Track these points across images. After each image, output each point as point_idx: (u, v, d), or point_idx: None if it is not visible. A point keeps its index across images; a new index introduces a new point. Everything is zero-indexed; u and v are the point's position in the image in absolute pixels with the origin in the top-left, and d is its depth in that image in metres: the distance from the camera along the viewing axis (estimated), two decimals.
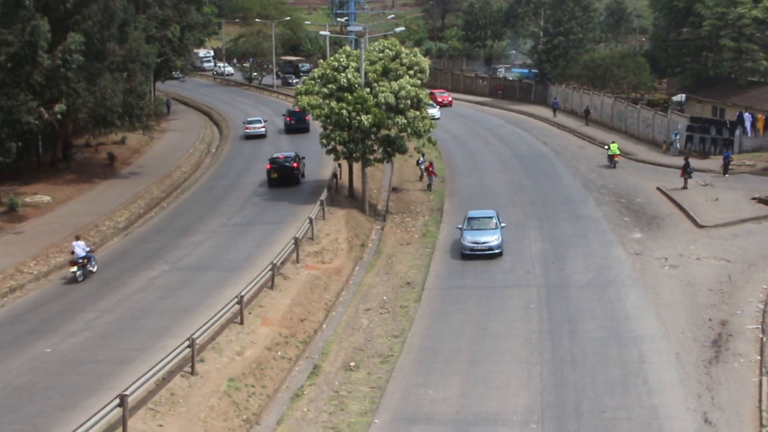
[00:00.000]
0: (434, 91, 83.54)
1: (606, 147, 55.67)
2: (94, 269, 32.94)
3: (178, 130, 70.26)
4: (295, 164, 48.27)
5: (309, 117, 51.49)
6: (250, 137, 65.33)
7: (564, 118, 73.69)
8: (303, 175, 49.40)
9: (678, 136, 54.69)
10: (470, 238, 35.81)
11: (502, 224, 37.06)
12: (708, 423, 21.10)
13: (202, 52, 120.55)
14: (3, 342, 25.80)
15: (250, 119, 68.07)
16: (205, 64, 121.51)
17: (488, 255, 35.59)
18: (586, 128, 68.82)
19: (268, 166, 48.63)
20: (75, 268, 32.03)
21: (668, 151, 53.05)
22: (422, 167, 51.28)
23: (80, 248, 32.27)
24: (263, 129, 66.19)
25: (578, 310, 29.15)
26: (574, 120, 72.70)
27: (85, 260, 32.31)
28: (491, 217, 37.52)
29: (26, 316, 28.49)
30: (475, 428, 21.36)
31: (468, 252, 35.72)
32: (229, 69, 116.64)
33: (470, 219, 37.30)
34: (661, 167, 52.82)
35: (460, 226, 37.13)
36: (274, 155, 50.27)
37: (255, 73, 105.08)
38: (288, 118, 66.78)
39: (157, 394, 21.65)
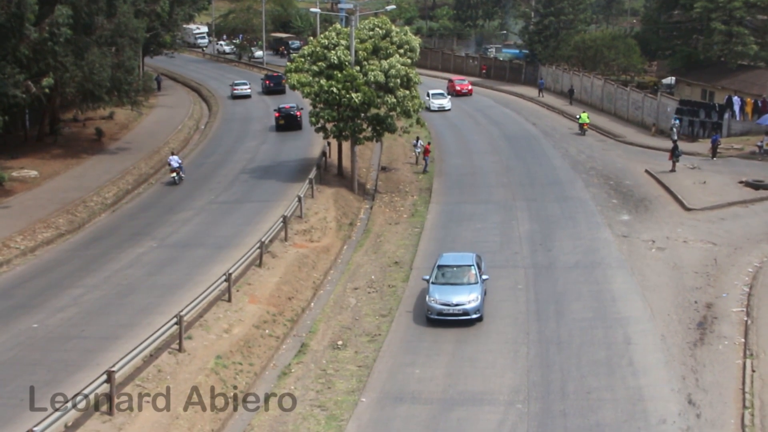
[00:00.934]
0: (453, 77, 79.47)
1: (577, 117, 60.94)
2: (184, 176, 44.61)
3: (167, 106, 69.86)
4: (298, 113, 57.82)
5: (285, 80, 52.98)
6: (237, 97, 73.81)
7: (553, 99, 73.66)
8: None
9: (678, 122, 54.54)
10: (439, 298, 26.73)
11: (484, 276, 27.74)
12: (692, 404, 21.30)
13: (195, 28, 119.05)
14: None
15: (236, 82, 76.55)
16: (199, 41, 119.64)
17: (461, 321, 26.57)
18: (571, 107, 69.33)
19: (276, 114, 58.69)
20: (174, 174, 44.17)
21: (670, 136, 52.96)
22: (418, 151, 50.32)
23: (175, 161, 44.59)
24: (248, 90, 74.76)
25: (565, 291, 29.29)
26: (563, 101, 72.66)
27: (179, 170, 44.21)
28: (470, 266, 27.97)
29: (13, 291, 28.41)
30: (462, 407, 21.50)
31: (434, 316, 26.74)
32: (227, 48, 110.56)
33: (441, 267, 28.15)
34: (649, 150, 52.95)
35: (427, 277, 28.04)
36: (281, 106, 60.03)
37: (243, 51, 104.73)
38: (267, 81, 75.50)
39: (144, 370, 21.67)
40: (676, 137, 50.88)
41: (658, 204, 40.49)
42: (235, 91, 73.99)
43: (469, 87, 76.87)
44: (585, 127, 58.93)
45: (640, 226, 37.04)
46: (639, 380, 22.59)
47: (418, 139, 50.77)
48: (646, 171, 46.74)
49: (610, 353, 24.29)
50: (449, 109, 66.41)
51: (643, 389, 22.08)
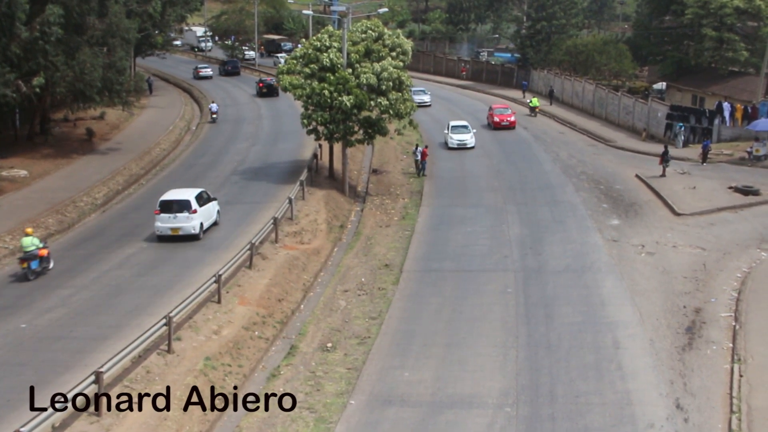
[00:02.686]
0: (494, 106, 64.70)
1: (529, 101, 71.53)
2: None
3: (158, 106, 69.74)
4: (277, 84, 63.95)
5: (277, 84, 64.41)
6: (200, 78, 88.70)
7: (544, 104, 73.77)
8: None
9: (683, 128, 54.45)
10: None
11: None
12: (680, 409, 21.36)
13: (199, 31, 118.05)
14: None
15: (200, 65, 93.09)
16: (202, 44, 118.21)
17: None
18: (551, 107, 71.49)
19: (260, 84, 77.42)
20: (210, 118, 61.92)
21: (674, 142, 52.88)
22: (418, 158, 48.72)
23: (215, 106, 62.17)
24: (210, 72, 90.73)
25: (554, 295, 29.34)
26: (555, 105, 72.88)
27: (216, 113, 61.01)
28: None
29: (1, 291, 28.28)
30: (450, 410, 21.50)
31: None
32: (251, 53, 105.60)
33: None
34: (640, 154, 53.13)
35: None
36: (263, 78, 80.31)
37: (235, 52, 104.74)
38: (260, 84, 79.60)
39: (132, 371, 21.61)
40: (681, 145, 50.71)
41: (648, 209, 40.62)
42: (200, 73, 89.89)
43: (512, 118, 61.08)
44: (537, 110, 69.19)
45: (630, 230, 37.15)
46: (627, 384, 22.64)
47: (417, 146, 49.67)
48: (637, 176, 46.89)
49: (599, 357, 24.34)
50: (473, 147, 54.86)
51: (631, 393, 22.13)
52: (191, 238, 33.04)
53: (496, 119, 61.14)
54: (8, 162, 45.79)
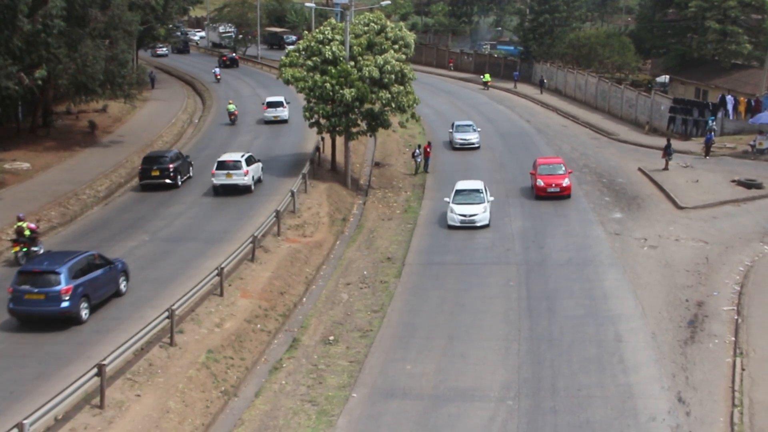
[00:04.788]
0: (540, 160, 43.08)
1: (482, 77, 79.75)
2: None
3: (161, 99, 69.69)
4: (237, 56, 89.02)
5: (238, 56, 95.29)
6: (158, 56, 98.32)
7: (548, 97, 73.73)
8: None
9: (714, 121, 53.29)
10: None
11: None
12: (681, 402, 21.37)
13: (195, 33, 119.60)
14: None
15: (159, 45, 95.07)
16: (199, 41, 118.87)
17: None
18: (541, 96, 72.61)
19: (224, 58, 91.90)
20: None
21: (706, 137, 52.25)
22: (418, 159, 47.92)
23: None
24: (167, 51, 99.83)
25: (557, 289, 29.34)
26: (557, 98, 72.78)
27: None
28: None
29: (4, 284, 28.26)
30: (453, 403, 21.53)
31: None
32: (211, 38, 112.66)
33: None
34: (642, 148, 53.04)
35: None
36: (226, 53, 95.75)
37: (238, 44, 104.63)
38: (224, 58, 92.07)
39: (135, 364, 21.66)
40: (713, 138, 50.31)
41: (651, 202, 40.58)
42: (158, 51, 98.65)
43: (566, 182, 40.36)
44: (488, 84, 78.18)
45: (632, 224, 37.11)
46: (629, 378, 22.66)
47: (420, 146, 48.67)
48: (639, 169, 46.83)
49: (600, 350, 24.35)
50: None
51: (633, 387, 22.15)
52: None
53: (540, 182, 39.90)
54: (11, 154, 45.80)
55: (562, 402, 21.43)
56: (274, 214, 33.95)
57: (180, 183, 41.55)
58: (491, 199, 38.04)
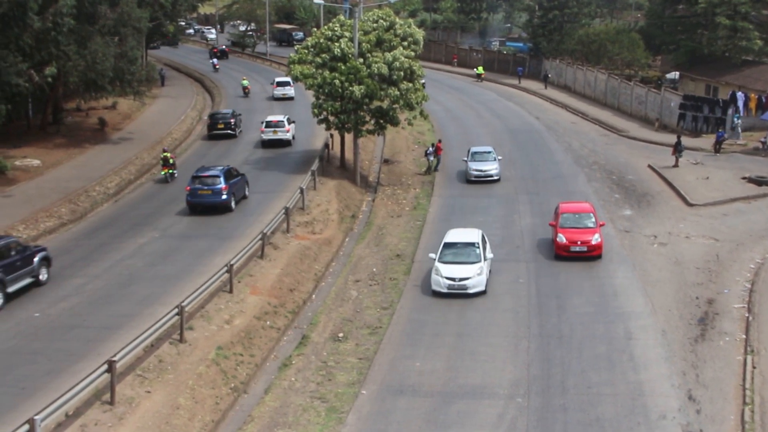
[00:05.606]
0: (563, 207, 34.09)
1: (475, 69, 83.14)
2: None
3: (170, 96, 69.79)
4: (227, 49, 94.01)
5: (227, 48, 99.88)
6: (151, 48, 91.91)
7: (557, 93, 73.59)
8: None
9: (739, 120, 52.78)
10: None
11: (489, 254, 29.84)
12: (692, 400, 21.30)
13: (207, 29, 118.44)
14: None
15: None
16: (209, 36, 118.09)
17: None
18: (546, 91, 73.36)
19: (215, 50, 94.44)
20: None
21: (732, 134, 51.74)
22: (431, 158, 47.16)
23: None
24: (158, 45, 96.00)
25: (566, 286, 29.27)
26: (566, 95, 72.60)
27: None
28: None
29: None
30: (462, 401, 21.51)
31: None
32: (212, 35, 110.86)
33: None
34: (652, 145, 52.86)
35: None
36: (216, 45, 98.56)
37: (248, 41, 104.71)
38: (215, 50, 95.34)
39: (145, 360, 21.71)
40: (740, 136, 49.76)
41: (661, 199, 40.44)
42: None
43: (595, 238, 31.73)
44: (482, 76, 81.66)
45: (642, 221, 37.00)
46: (639, 375, 22.59)
47: (433, 145, 47.94)
48: (649, 166, 46.67)
49: (610, 348, 24.29)
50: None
51: (643, 384, 22.08)
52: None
53: (562, 239, 31.84)
54: (21, 151, 45.96)
55: (572, 399, 21.39)
56: (284, 211, 33.97)
57: (237, 134, 53.59)
58: (490, 256, 29.48)
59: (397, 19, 45.56)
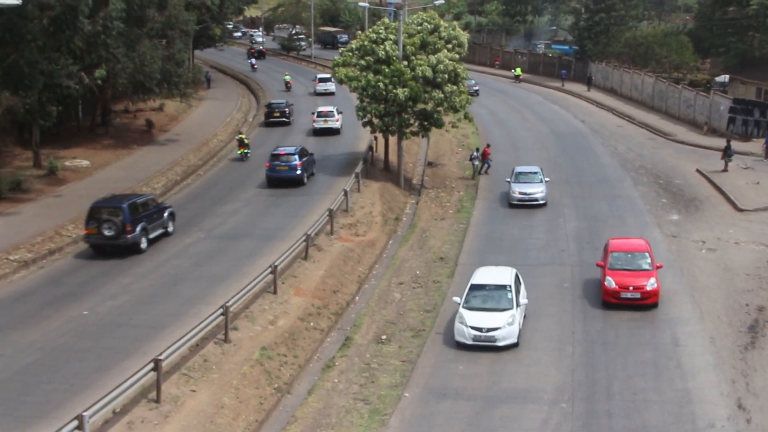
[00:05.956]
0: (614, 243, 29.53)
1: (513, 70, 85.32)
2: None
3: (216, 98, 70.52)
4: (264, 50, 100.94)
5: (264, 49, 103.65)
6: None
7: (603, 96, 72.85)
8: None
9: None
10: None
11: (524, 299, 26.49)
12: (741, 409, 20.89)
13: (255, 32, 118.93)
14: (42, 303, 26.26)
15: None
16: (258, 40, 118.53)
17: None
18: (589, 93, 73.01)
19: (252, 50, 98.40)
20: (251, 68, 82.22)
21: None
22: (476, 162, 46.59)
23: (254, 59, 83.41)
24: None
25: None
26: (612, 98, 71.83)
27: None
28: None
29: (65, 279, 28.93)
30: (505, 405, 21.35)
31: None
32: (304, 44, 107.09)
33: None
34: (701, 149, 52.07)
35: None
36: (254, 45, 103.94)
37: (303, 43, 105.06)
38: (252, 50, 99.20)
39: (190, 360, 21.90)
40: None
41: (709, 204, 39.79)
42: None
43: (652, 283, 27.27)
44: (520, 77, 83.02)
45: (690, 226, 36.44)
46: (687, 383, 22.23)
47: (477, 149, 47.73)
48: (697, 170, 45.95)
49: (657, 354, 23.94)
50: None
51: (691, 392, 21.72)
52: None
53: (611, 283, 27.32)
54: (71, 152, 46.80)
55: (617, 406, 21.12)
56: (328, 212, 34.10)
57: (291, 122, 59.25)
58: (524, 301, 25.84)
59: (442, 22, 45.49)
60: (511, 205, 40.01)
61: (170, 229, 33.85)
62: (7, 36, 35.67)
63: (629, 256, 28.34)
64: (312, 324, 26.19)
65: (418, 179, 46.92)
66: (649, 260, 28.08)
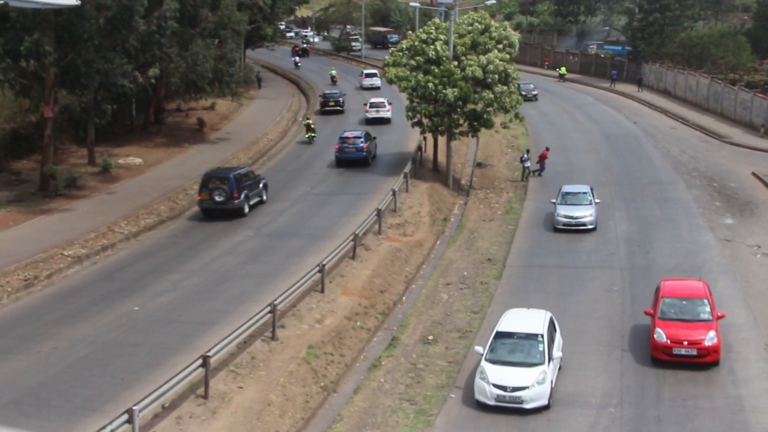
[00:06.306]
0: (666, 286, 25.35)
1: (557, 69, 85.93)
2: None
3: (266, 97, 71.10)
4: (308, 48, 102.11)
5: (308, 47, 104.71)
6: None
7: (656, 98, 71.74)
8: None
9: None
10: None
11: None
12: None
13: (308, 31, 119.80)
14: (95, 298, 26.76)
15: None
16: (311, 39, 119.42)
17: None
18: (639, 93, 73.04)
19: (296, 48, 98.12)
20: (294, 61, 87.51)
21: None
22: (527, 165, 45.68)
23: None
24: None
25: None
26: (665, 100, 70.71)
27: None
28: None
29: (116, 275, 29.44)
30: (552, 408, 21.13)
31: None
32: (357, 44, 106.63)
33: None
34: (757, 152, 50.97)
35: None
36: (298, 44, 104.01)
37: (356, 43, 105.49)
38: (297, 48, 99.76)
39: (238, 356, 22.11)
40: None
41: (765, 208, 38.94)
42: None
43: (712, 337, 22.99)
44: (565, 76, 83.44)
45: (744, 230, 35.70)
46: (740, 390, 21.77)
47: (528, 151, 47.07)
48: (753, 174, 45.00)
49: None
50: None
51: (743, 399, 21.27)
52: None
53: (661, 336, 23.37)
54: (125, 150, 47.60)
55: (666, 411, 20.78)
56: (376, 212, 34.14)
57: (344, 110, 63.16)
58: (558, 355, 22.15)
59: (493, 22, 45.25)
60: (556, 230, 36.06)
61: (264, 197, 38.76)
62: (65, 36, 36.43)
63: (684, 303, 24.25)
64: (359, 323, 26.25)
65: (467, 180, 46.75)
66: (708, 309, 23.84)
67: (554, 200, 37.40)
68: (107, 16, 37.27)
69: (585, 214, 35.88)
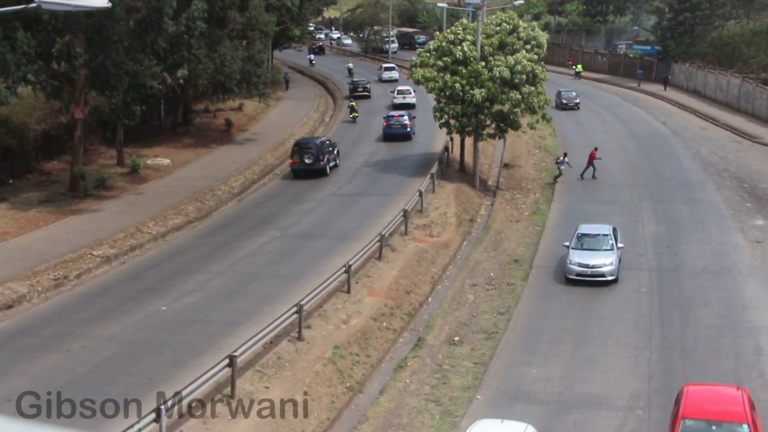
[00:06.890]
0: (692, 393, 18.59)
1: (573, 67, 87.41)
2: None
3: (294, 98, 71.37)
4: (324, 46, 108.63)
5: (324, 45, 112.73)
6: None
7: (685, 98, 71.07)
8: None
9: None
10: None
11: (620, 245, 29.84)
12: None
13: (340, 35, 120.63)
14: (123, 297, 27.00)
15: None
16: (344, 41, 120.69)
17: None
18: (665, 92, 73.07)
19: (314, 47, 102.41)
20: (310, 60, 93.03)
21: None
22: (563, 168, 44.96)
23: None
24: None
25: (691, 297, 28.20)
26: (695, 99, 70.01)
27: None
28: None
29: (144, 275, 29.68)
30: (578, 410, 21.02)
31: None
32: (347, 41, 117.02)
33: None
34: None
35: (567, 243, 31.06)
36: (315, 42, 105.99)
37: (369, 44, 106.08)
38: (314, 46, 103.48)
39: (264, 357, 22.19)
40: None
41: None
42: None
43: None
44: (581, 74, 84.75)
45: None
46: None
47: (565, 155, 45.86)
48: None
49: (738, 363, 23.22)
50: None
51: None
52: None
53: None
54: (153, 151, 48.00)
55: None
56: (402, 213, 34.13)
57: (371, 95, 71.15)
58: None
59: (521, 22, 45.07)
60: (569, 281, 30.05)
61: (338, 162, 46.40)
62: (96, 38, 36.81)
63: (714, 428, 17.36)
64: (385, 324, 26.25)
65: (494, 181, 46.59)
66: (747, 427, 17.00)
67: (567, 243, 30.96)
68: (137, 18, 37.62)
69: (604, 262, 29.44)
